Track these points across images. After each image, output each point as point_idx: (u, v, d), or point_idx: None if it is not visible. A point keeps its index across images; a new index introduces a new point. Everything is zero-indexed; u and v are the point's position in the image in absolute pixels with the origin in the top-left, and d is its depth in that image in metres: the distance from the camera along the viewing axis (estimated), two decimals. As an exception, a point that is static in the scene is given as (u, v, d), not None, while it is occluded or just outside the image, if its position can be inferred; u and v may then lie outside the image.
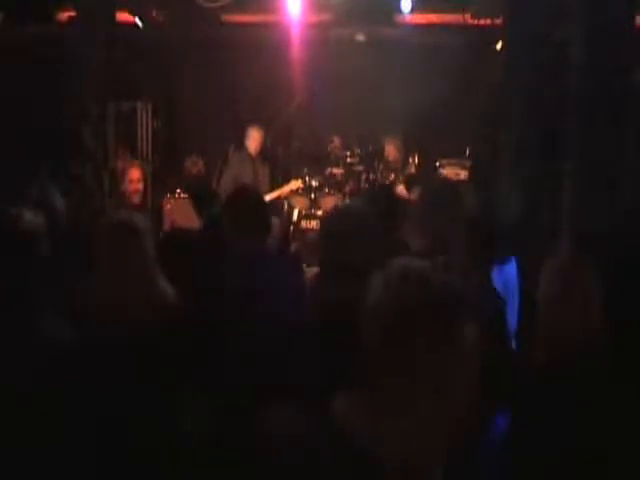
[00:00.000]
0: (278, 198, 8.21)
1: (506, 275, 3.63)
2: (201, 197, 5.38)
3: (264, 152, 8.14)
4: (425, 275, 1.38)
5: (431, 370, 1.33)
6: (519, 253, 3.74)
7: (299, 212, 8.37)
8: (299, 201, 8.48)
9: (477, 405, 2.65)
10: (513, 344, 3.32)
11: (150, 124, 8.56)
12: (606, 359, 2.38)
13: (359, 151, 8.98)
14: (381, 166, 8.53)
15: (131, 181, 6.30)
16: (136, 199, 6.33)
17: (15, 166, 6.05)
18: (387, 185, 7.48)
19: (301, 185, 8.36)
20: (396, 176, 8.09)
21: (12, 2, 7.77)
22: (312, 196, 8.47)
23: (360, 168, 8.82)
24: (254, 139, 7.91)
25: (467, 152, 8.50)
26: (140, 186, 6.36)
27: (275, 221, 5.95)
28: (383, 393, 1.35)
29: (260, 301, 3.11)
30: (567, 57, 5.05)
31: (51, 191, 3.41)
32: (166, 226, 7.46)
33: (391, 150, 8.41)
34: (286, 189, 8.27)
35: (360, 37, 9.39)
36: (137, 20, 8.51)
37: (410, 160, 8.27)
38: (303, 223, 8.21)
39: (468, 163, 8.28)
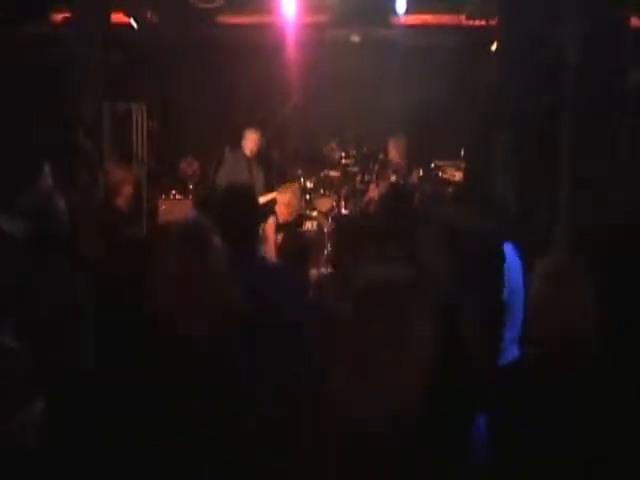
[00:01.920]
0: (273, 201, 8.19)
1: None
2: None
3: (260, 154, 8.12)
4: None
5: None
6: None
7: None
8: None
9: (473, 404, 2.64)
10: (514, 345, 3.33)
11: (145, 125, 8.52)
12: (605, 359, 2.38)
13: (354, 152, 8.98)
14: (376, 167, 8.51)
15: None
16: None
17: (11, 167, 6.02)
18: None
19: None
20: (397, 177, 8.01)
21: (8, 2, 7.73)
22: (307, 197, 8.46)
23: (355, 169, 8.82)
24: (251, 140, 7.88)
25: (462, 153, 8.50)
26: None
27: None
28: None
29: None
30: (564, 57, 5.07)
31: (55, 195, 3.34)
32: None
33: (393, 150, 8.34)
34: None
35: (355, 38, 9.40)
36: (132, 21, 8.50)
37: (414, 172, 8.16)
38: (299, 225, 8.19)
39: (463, 164, 8.28)
